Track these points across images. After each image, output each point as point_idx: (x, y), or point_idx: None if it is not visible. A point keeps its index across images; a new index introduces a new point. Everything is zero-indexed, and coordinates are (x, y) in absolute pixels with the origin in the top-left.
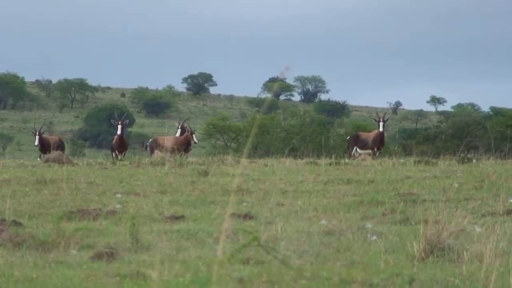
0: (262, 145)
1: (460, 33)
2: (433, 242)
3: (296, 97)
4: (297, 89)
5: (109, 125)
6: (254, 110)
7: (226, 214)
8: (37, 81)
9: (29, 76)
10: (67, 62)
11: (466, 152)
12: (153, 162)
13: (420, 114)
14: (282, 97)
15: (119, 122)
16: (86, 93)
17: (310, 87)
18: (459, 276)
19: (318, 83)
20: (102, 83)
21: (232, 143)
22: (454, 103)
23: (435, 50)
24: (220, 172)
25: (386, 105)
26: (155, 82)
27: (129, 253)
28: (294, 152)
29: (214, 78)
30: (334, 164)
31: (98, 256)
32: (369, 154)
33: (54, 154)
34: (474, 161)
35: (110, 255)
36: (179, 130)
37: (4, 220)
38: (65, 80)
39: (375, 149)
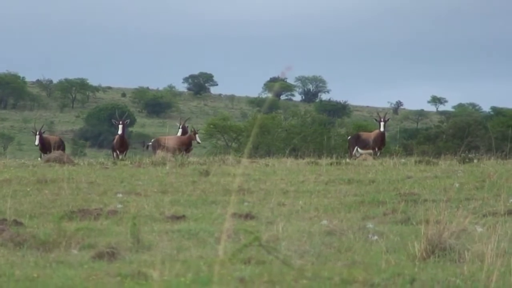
0: (263, 145)
1: (461, 33)
2: (434, 242)
3: (297, 97)
4: (298, 89)
5: (110, 125)
6: (255, 110)
7: (227, 214)
8: (38, 81)
9: (30, 76)
10: (68, 62)
11: (467, 152)
12: (154, 162)
13: (421, 114)
14: (283, 97)
15: (120, 122)
16: (87, 93)
17: (311, 87)
18: (460, 276)
19: (319, 83)
20: (103, 83)
21: (233, 143)
22: (455, 103)
23: (436, 50)
24: (221, 172)
25: (387, 105)
26: (156, 82)
27: (130, 253)
28: (295, 152)
29: (215, 78)
30: (335, 164)
31: (99, 256)
32: (370, 154)
33: (55, 154)
34: (475, 161)
35: (111, 255)
36: (180, 130)
37: (5, 219)
38: (66, 80)
39: (376, 149)
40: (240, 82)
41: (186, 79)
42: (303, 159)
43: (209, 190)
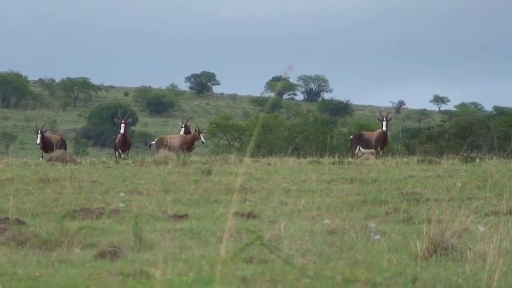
0: (265, 144)
1: (463, 33)
2: (436, 241)
3: (299, 96)
4: (300, 88)
5: (112, 124)
6: (257, 109)
7: (229, 213)
8: (40, 80)
9: (32, 75)
10: (70, 61)
11: (469, 151)
12: (156, 161)
13: (423, 113)
14: (285, 96)
15: (122, 121)
16: (89, 92)
17: (313, 86)
18: (462, 275)
19: (321, 82)
20: (105, 82)
21: (235, 142)
22: (457, 102)
23: (438, 50)
24: (223, 171)
25: (389, 104)
26: (158, 81)
27: (132, 252)
28: (297, 151)
29: (217, 77)
30: (337, 163)
31: (101, 255)
32: (372, 153)
33: (57, 153)
34: (477, 160)
35: (113, 254)
36: (182, 129)
37: (7, 218)
38: (68, 79)
39: (378, 148)
40: (242, 81)
41: (188, 78)
42: (305, 158)
43: (211, 189)
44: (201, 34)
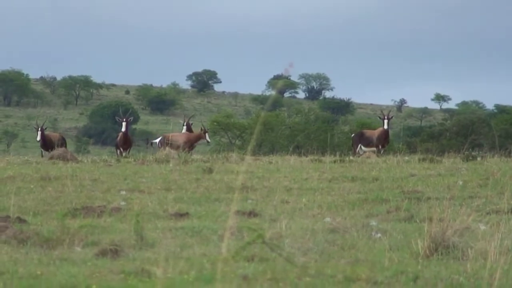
0: (266, 143)
1: (465, 31)
2: (437, 239)
3: (301, 95)
4: (301, 87)
5: (114, 122)
6: (258, 108)
7: (230, 211)
8: (41, 78)
9: (34, 73)
10: (71, 59)
11: (470, 149)
12: (157, 159)
13: (424, 111)
14: (286, 95)
15: (124, 119)
16: (91, 90)
17: (314, 84)
18: (464, 274)
19: (323, 81)
20: (107, 80)
21: (237, 141)
22: (459, 100)
23: (440, 48)
24: (225, 169)
25: (391, 103)
26: (160, 79)
27: (133, 250)
28: (298, 150)
29: (218, 75)
30: (338, 161)
31: (103, 253)
32: (373, 152)
33: (58, 151)
34: (478, 159)
35: (114, 252)
36: (184, 127)
37: (8, 217)
38: (70, 77)
39: (380, 147)
40: (244, 79)
41: (189, 77)
42: (307, 156)
43: (212, 187)
44: (203, 33)
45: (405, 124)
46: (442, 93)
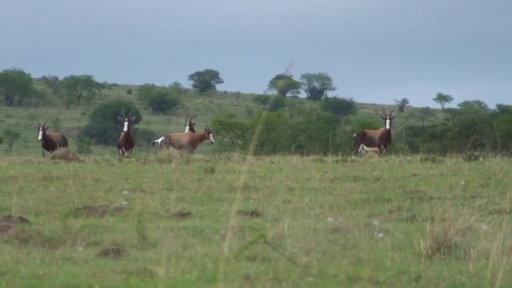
0: (268, 142)
1: (467, 31)
2: (439, 239)
3: (303, 94)
4: (303, 87)
5: (116, 122)
6: (260, 107)
7: (232, 211)
8: (43, 77)
9: (36, 73)
10: (73, 59)
11: (472, 149)
12: (159, 159)
13: (426, 111)
14: (288, 94)
15: (126, 119)
16: (93, 90)
17: (316, 84)
18: (466, 274)
19: (325, 81)
20: (109, 80)
21: (239, 140)
22: (461, 100)
23: (442, 48)
24: (227, 169)
25: (393, 103)
26: (162, 79)
27: (135, 250)
28: (300, 150)
29: (220, 75)
30: (340, 161)
31: (105, 253)
32: (375, 152)
33: (60, 150)
34: (480, 158)
35: (116, 252)
36: (187, 127)
37: (10, 216)
38: (72, 77)
39: (382, 147)
40: (246, 79)
41: (191, 76)
42: (309, 156)
43: (214, 187)
44: (205, 32)
45: (407, 124)
46: (444, 93)
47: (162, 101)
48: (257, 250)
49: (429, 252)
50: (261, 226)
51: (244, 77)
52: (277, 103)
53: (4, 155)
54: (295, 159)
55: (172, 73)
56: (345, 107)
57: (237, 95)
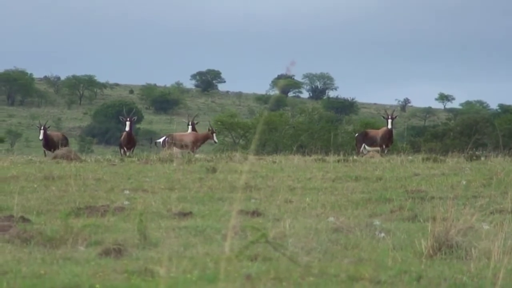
0: (270, 142)
1: (469, 31)
2: (441, 239)
3: (305, 94)
4: (305, 86)
5: (118, 121)
6: (262, 107)
7: (234, 210)
8: (45, 77)
9: (38, 73)
10: (75, 59)
11: (474, 149)
12: (161, 159)
13: (428, 111)
14: (290, 94)
15: (128, 119)
16: (95, 90)
17: (318, 84)
18: (467, 274)
19: (327, 80)
20: (111, 79)
21: (240, 140)
22: (463, 100)
23: (444, 48)
24: (228, 169)
25: (395, 103)
26: (164, 79)
27: (137, 250)
28: (302, 149)
29: (222, 75)
30: (342, 161)
31: (106, 253)
32: (377, 151)
33: (62, 150)
34: (482, 158)
35: (118, 251)
36: (189, 127)
37: (12, 216)
38: (74, 76)
39: (384, 146)
40: (248, 79)
41: (193, 76)
42: (310, 156)
43: (216, 187)
44: (207, 32)
45: (409, 123)
46: (446, 93)
47: (164, 101)
48: (258, 249)
49: (431, 252)
50: (262, 226)
51: (246, 77)
52: (279, 103)
53: (5, 154)
54: (296, 159)
55: (174, 73)
56: (347, 106)
57: (239, 95)
